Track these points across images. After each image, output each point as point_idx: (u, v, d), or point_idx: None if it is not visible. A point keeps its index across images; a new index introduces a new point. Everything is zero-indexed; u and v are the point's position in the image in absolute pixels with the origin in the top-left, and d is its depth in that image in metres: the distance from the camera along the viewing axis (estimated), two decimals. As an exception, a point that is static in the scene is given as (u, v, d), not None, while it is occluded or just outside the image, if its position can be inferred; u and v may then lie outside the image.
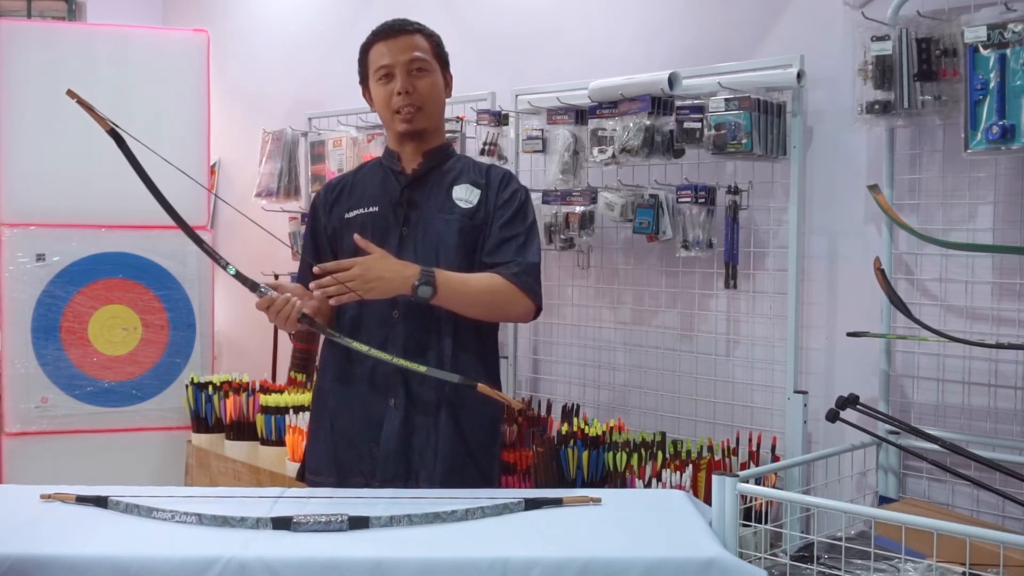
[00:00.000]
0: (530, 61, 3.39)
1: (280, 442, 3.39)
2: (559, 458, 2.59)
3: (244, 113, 4.75)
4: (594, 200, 2.90)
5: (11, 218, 3.94)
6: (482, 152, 3.18)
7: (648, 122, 2.69)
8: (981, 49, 2.10)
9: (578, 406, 3.03)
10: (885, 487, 2.40)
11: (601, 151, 2.80)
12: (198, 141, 4.14)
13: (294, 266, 3.63)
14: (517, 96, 3.16)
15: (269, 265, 4.04)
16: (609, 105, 2.79)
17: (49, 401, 3.95)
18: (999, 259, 2.30)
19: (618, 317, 3.09)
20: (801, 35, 2.66)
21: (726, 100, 2.54)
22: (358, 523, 1.64)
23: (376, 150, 3.44)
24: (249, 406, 3.54)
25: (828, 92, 2.59)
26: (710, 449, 2.62)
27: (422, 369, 2.07)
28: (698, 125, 2.61)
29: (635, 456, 2.52)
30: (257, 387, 3.69)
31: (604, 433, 2.71)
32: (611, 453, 2.55)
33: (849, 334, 2.42)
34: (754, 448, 2.57)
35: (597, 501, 1.80)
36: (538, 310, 2.25)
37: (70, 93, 2.05)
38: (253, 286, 2.10)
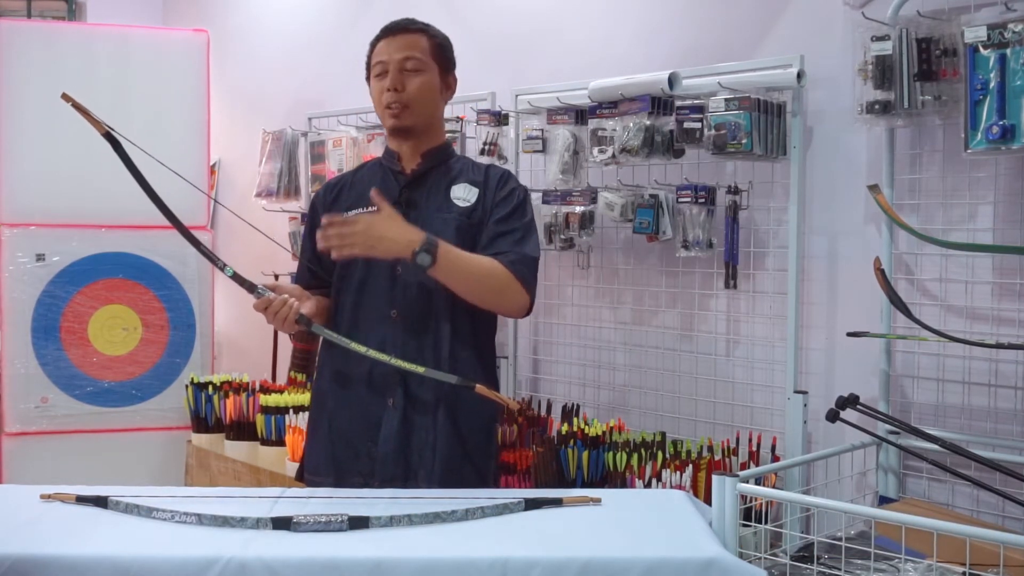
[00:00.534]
0: (530, 61, 3.39)
1: (280, 442, 3.39)
2: (559, 458, 2.59)
3: (244, 113, 4.75)
4: (594, 200, 2.90)
5: (11, 218, 3.95)
6: (482, 152, 3.18)
7: (648, 122, 2.69)
8: (981, 49, 2.10)
9: (578, 406, 3.03)
10: (885, 487, 2.40)
11: (601, 151, 2.80)
12: (198, 141, 4.15)
13: (295, 266, 3.62)
14: (517, 96, 3.16)
15: (270, 265, 4.04)
16: (609, 105, 2.79)
17: (49, 401, 3.96)
18: (999, 259, 2.30)
19: (618, 317, 3.09)
20: (801, 35, 2.66)
21: (726, 100, 2.54)
22: (358, 523, 1.64)
23: (376, 150, 3.44)
24: (249, 406, 3.54)
25: (828, 92, 2.59)
26: (710, 449, 2.62)
27: (420, 370, 2.07)
28: (698, 125, 2.61)
29: (635, 456, 2.52)
30: (257, 387, 3.69)
31: (604, 433, 2.71)
32: (611, 453, 2.55)
33: (849, 334, 2.42)
34: (754, 448, 2.57)
35: (597, 501, 1.80)
36: (531, 307, 2.22)
37: (65, 97, 2.05)
38: (250, 287, 2.10)
